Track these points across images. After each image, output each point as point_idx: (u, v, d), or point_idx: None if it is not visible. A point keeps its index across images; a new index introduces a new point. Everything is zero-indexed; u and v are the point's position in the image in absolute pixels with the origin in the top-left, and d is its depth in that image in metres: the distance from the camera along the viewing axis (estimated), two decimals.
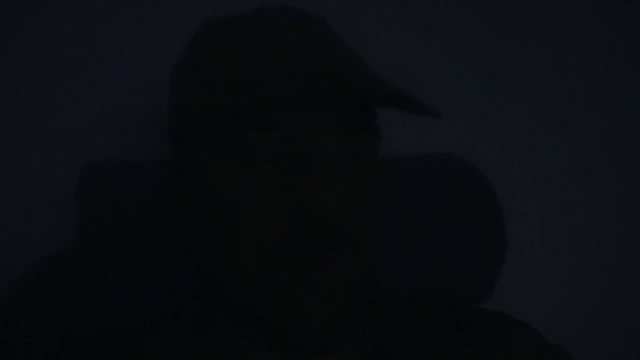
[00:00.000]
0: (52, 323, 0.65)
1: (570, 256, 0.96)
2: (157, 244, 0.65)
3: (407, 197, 0.71)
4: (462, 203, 0.72)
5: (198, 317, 0.58)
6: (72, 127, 0.82)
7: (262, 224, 0.50)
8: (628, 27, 0.97)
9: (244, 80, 0.51)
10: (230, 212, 0.51)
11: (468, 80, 0.93)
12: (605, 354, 0.94)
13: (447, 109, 0.92)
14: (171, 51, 0.70)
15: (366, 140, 0.54)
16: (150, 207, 0.64)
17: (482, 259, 0.72)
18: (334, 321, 0.50)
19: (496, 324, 0.61)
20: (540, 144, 0.95)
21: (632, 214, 0.97)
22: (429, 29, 0.92)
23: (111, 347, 0.57)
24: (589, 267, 0.96)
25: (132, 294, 0.65)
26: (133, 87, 0.83)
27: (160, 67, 0.81)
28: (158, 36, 0.84)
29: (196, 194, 0.54)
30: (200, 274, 0.57)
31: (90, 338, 0.58)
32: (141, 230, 0.66)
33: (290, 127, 0.51)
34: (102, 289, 0.64)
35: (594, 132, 0.97)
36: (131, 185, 0.67)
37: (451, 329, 0.60)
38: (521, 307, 0.71)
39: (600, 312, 0.96)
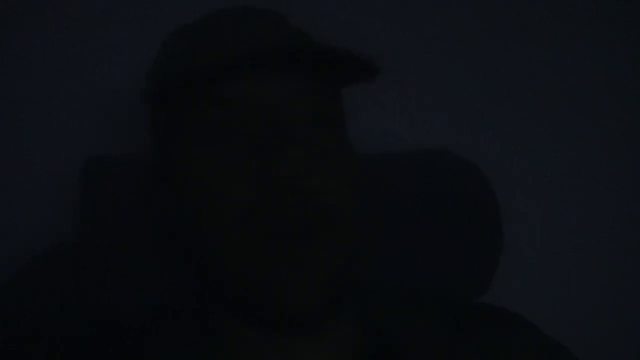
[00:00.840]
0: (52, 320, 0.65)
1: (570, 256, 0.96)
2: (160, 239, 0.65)
3: (403, 194, 0.71)
4: (457, 199, 0.72)
5: (197, 314, 0.58)
6: (74, 122, 0.82)
7: (234, 196, 0.50)
8: (628, 27, 0.97)
9: (199, 56, 0.53)
10: (206, 188, 0.51)
11: (468, 80, 0.93)
12: (606, 354, 0.94)
13: (447, 109, 0.92)
14: None
15: (329, 107, 0.55)
16: (151, 202, 0.64)
17: (478, 255, 0.72)
18: (316, 293, 0.49)
19: (497, 320, 0.61)
20: (540, 144, 0.95)
21: (632, 214, 0.97)
22: (429, 29, 0.92)
23: (111, 345, 0.57)
24: (589, 267, 0.96)
25: (132, 291, 0.65)
26: (135, 83, 0.83)
27: None
28: (163, 33, 0.84)
29: (176, 177, 0.55)
30: (192, 263, 0.57)
31: (89, 336, 0.58)
32: (142, 226, 0.66)
33: (248, 99, 0.51)
34: (102, 286, 0.64)
35: (593, 132, 0.97)
36: (133, 181, 0.67)
37: (451, 324, 0.60)
38: (521, 307, 0.71)
39: (600, 311, 0.95)
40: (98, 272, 0.65)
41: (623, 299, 0.96)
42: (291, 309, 0.49)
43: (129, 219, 0.66)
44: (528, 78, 0.95)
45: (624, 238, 0.97)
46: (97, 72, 0.82)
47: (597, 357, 0.92)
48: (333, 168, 0.52)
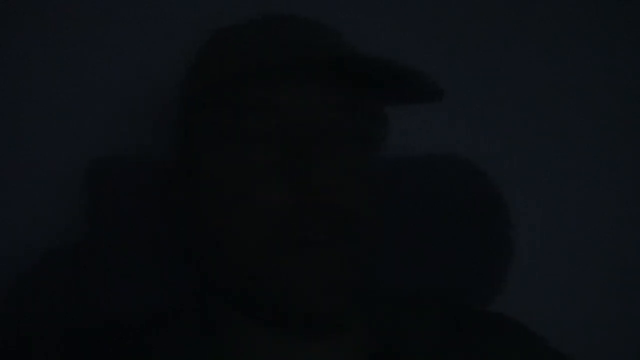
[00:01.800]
0: (55, 319, 0.65)
1: (570, 257, 0.96)
2: (161, 240, 0.65)
3: (410, 198, 0.71)
4: (465, 204, 0.72)
5: (201, 314, 0.58)
6: (78, 123, 0.82)
7: (264, 205, 0.50)
8: (628, 27, 0.97)
9: (245, 60, 0.52)
10: (233, 194, 0.51)
11: (468, 81, 0.93)
12: (606, 354, 0.94)
13: (447, 109, 0.92)
14: (176, 47, 0.70)
15: (368, 123, 0.55)
16: (155, 203, 0.65)
17: (486, 261, 0.72)
18: (335, 304, 0.50)
19: (496, 327, 0.62)
20: (540, 144, 0.95)
21: (633, 215, 0.97)
22: (430, 29, 0.92)
23: (113, 345, 0.57)
24: (590, 268, 0.96)
25: (135, 290, 0.65)
26: (139, 84, 0.83)
27: (166, 65, 0.81)
28: (163, 33, 0.84)
29: (199, 181, 0.54)
30: (202, 264, 0.57)
31: (93, 335, 0.58)
32: (146, 227, 0.66)
33: (286, 106, 0.51)
34: (106, 285, 0.64)
35: (595, 133, 0.97)
36: (136, 182, 0.67)
37: (452, 330, 0.60)
38: (521, 308, 0.71)
39: (601, 313, 0.95)
40: (101, 273, 0.65)
41: (624, 299, 0.96)
42: (313, 313, 0.50)
43: (132, 220, 0.66)
44: (528, 79, 0.95)
45: (626, 239, 0.97)
46: (101, 73, 0.82)
47: (597, 357, 0.92)
48: (362, 180, 0.53)
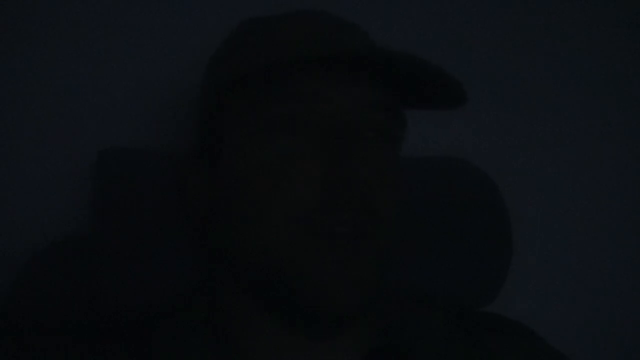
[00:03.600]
0: (61, 313, 0.65)
1: (571, 257, 0.96)
2: (169, 234, 0.65)
3: (413, 200, 0.71)
4: (466, 206, 0.72)
5: (208, 308, 0.58)
6: (88, 115, 0.82)
7: (297, 194, 0.51)
8: (628, 26, 0.97)
9: (284, 48, 0.52)
10: (266, 183, 0.51)
11: (469, 83, 0.93)
12: (606, 355, 0.94)
13: (449, 112, 0.92)
14: (187, 40, 0.70)
15: (397, 124, 0.55)
16: (161, 197, 0.64)
17: (486, 262, 0.72)
18: (360, 294, 0.51)
19: (498, 327, 0.62)
20: (541, 147, 0.95)
21: (633, 216, 0.97)
22: (431, 30, 0.92)
23: (119, 339, 0.57)
24: (590, 269, 0.96)
25: (141, 284, 0.64)
26: (148, 76, 0.83)
27: (178, 58, 0.81)
28: (169, 27, 0.84)
29: (230, 171, 0.54)
30: (217, 254, 0.57)
31: (98, 329, 0.58)
32: (153, 220, 0.65)
33: (329, 99, 0.51)
34: (112, 279, 0.64)
35: (595, 135, 0.97)
36: (146, 173, 0.67)
37: (460, 331, 0.60)
38: (521, 307, 0.71)
39: (601, 313, 0.95)
40: (110, 265, 0.64)
41: (626, 302, 0.96)
42: (341, 305, 0.50)
43: (139, 213, 0.66)
44: (529, 81, 0.95)
45: (629, 243, 0.97)
46: (110, 65, 0.82)
47: (597, 357, 0.92)
48: (390, 180, 0.53)
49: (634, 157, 0.98)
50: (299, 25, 0.55)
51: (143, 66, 0.83)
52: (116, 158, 0.68)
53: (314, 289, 0.50)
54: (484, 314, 0.64)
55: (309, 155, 0.51)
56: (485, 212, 0.72)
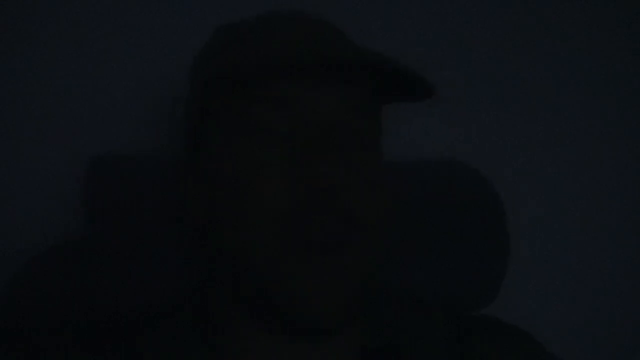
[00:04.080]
0: (54, 318, 0.65)
1: (569, 260, 0.96)
2: (163, 238, 0.65)
3: (409, 202, 0.71)
4: (464, 208, 0.72)
5: (200, 312, 0.58)
6: (80, 121, 0.82)
7: (273, 200, 0.50)
8: (628, 26, 0.97)
9: (256, 49, 0.52)
10: (241, 188, 0.51)
11: (467, 84, 0.93)
12: (606, 354, 0.94)
13: (446, 113, 0.92)
14: (180, 46, 0.70)
15: (372, 123, 0.55)
16: (156, 201, 0.64)
17: (485, 265, 0.72)
18: (339, 305, 0.50)
19: (497, 332, 0.62)
20: (540, 149, 0.95)
21: (633, 218, 0.97)
22: (430, 29, 0.92)
23: (111, 342, 0.57)
24: (589, 271, 0.96)
25: (135, 288, 0.65)
26: (141, 82, 0.83)
27: (170, 64, 0.81)
28: (166, 32, 0.84)
29: (212, 174, 0.54)
30: (208, 257, 0.57)
31: (95, 329, 0.58)
32: (147, 224, 0.66)
33: (301, 103, 0.51)
34: (106, 283, 0.64)
35: (594, 138, 0.97)
36: (139, 179, 0.67)
37: (454, 333, 0.60)
38: (519, 309, 0.71)
39: (601, 315, 0.95)
40: (103, 271, 0.65)
41: (626, 304, 0.96)
42: (317, 317, 0.50)
43: (133, 217, 0.66)
44: (528, 82, 0.95)
45: (628, 245, 0.97)
46: (103, 71, 0.82)
47: (598, 357, 0.92)
48: (369, 182, 0.52)
49: (634, 157, 0.98)
50: (273, 29, 0.55)
51: (139, 70, 0.83)
52: (109, 164, 0.69)
53: (289, 298, 0.50)
54: (478, 318, 0.64)
55: (280, 161, 0.51)
56: (483, 213, 0.73)
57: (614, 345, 0.95)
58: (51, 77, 0.81)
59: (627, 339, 0.96)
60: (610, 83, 0.97)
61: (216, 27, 0.60)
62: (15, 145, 0.81)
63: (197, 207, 0.56)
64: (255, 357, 0.54)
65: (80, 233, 0.69)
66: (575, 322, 0.93)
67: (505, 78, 0.94)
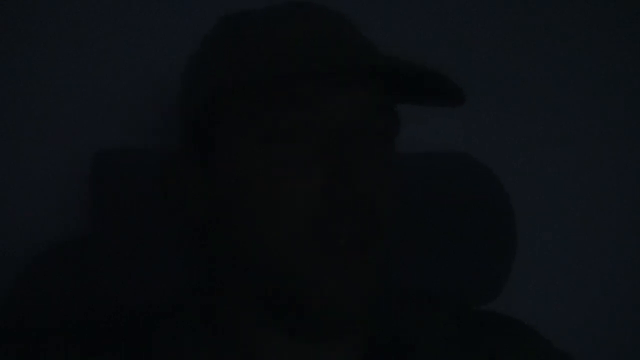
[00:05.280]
0: (59, 313, 0.65)
1: (574, 255, 0.96)
2: (166, 235, 0.65)
3: (413, 195, 0.71)
4: (471, 202, 0.72)
5: (205, 308, 0.57)
6: (83, 116, 0.82)
7: (297, 203, 0.50)
8: (628, 26, 0.97)
9: (275, 55, 0.51)
10: (266, 189, 0.50)
11: (471, 78, 0.93)
12: (606, 354, 0.94)
13: (448, 110, 0.92)
14: (181, 42, 0.70)
15: (392, 123, 0.55)
16: (158, 198, 0.64)
17: (491, 259, 0.72)
18: (362, 304, 0.50)
19: (505, 328, 0.62)
20: (542, 146, 0.95)
21: (635, 216, 0.97)
22: (430, 29, 0.92)
23: (118, 340, 0.57)
24: (592, 269, 0.96)
25: (139, 285, 0.64)
26: (144, 76, 0.83)
27: (171, 58, 0.81)
28: (167, 28, 0.84)
29: (226, 177, 0.53)
30: (222, 259, 0.56)
31: (98, 328, 0.58)
32: (151, 221, 0.65)
33: (320, 103, 0.50)
34: (111, 279, 0.64)
35: (598, 132, 0.97)
36: (141, 174, 0.67)
37: (462, 331, 0.60)
38: (525, 307, 0.71)
39: (605, 314, 0.95)
40: (106, 267, 0.64)
41: (628, 303, 0.96)
42: (339, 317, 0.50)
43: (137, 214, 0.66)
44: (531, 77, 0.95)
45: (632, 241, 0.96)
46: (106, 66, 0.82)
47: (598, 357, 0.92)
48: (389, 184, 0.53)
49: (634, 157, 0.98)
50: (292, 25, 0.54)
51: (138, 66, 0.83)
52: (112, 159, 0.68)
53: (315, 297, 0.50)
54: (486, 313, 0.64)
55: (309, 163, 0.50)
56: (488, 207, 0.72)
57: (614, 345, 0.95)
58: (51, 74, 0.81)
59: (627, 339, 0.96)
60: (610, 83, 0.97)
61: (219, 18, 0.59)
62: (15, 144, 0.81)
63: (201, 208, 0.56)
64: (266, 354, 0.54)
65: (81, 232, 0.69)
66: (576, 320, 0.93)
67: (505, 78, 0.94)
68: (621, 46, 0.97)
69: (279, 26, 0.54)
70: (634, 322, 0.96)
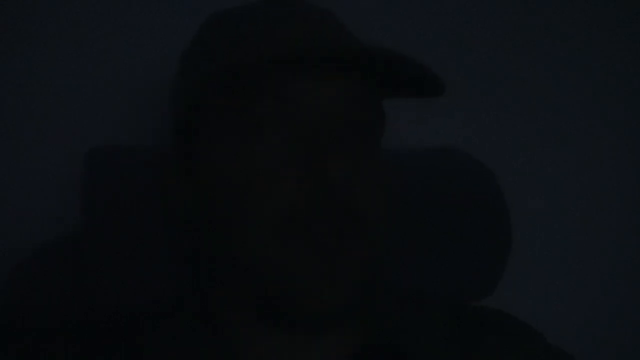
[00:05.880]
0: (51, 315, 0.65)
1: (571, 256, 0.96)
2: (160, 234, 0.65)
3: (411, 192, 0.71)
4: (466, 199, 0.72)
5: (198, 308, 0.57)
6: (77, 114, 0.82)
7: (277, 199, 0.50)
8: (629, 26, 0.97)
9: (256, 45, 0.51)
10: (243, 186, 0.50)
11: (469, 75, 0.93)
12: (606, 355, 0.94)
13: (448, 104, 0.92)
14: (175, 37, 0.70)
15: (374, 115, 0.54)
16: (154, 196, 0.64)
17: (485, 255, 0.72)
18: (341, 300, 0.50)
19: (502, 326, 0.61)
20: (542, 146, 0.95)
21: (634, 212, 0.97)
22: (430, 29, 0.92)
23: (109, 340, 0.57)
24: (590, 268, 0.96)
25: (133, 285, 0.64)
26: (137, 74, 0.83)
27: (164, 56, 0.81)
28: (162, 24, 0.84)
29: (206, 172, 0.53)
30: (207, 256, 0.56)
31: (89, 328, 0.58)
32: (144, 220, 0.65)
33: (301, 97, 0.50)
34: (104, 278, 0.64)
35: (597, 130, 0.97)
36: (135, 172, 0.67)
37: (457, 328, 0.60)
38: (522, 305, 0.71)
39: (600, 312, 0.95)
40: (99, 266, 0.64)
41: (626, 301, 0.96)
42: (321, 312, 0.50)
43: (131, 212, 0.66)
44: (530, 74, 0.95)
45: (629, 238, 0.96)
46: (100, 64, 0.82)
47: (598, 357, 0.92)
48: (371, 177, 0.52)
49: (634, 157, 0.98)
50: (270, 22, 0.54)
51: (131, 65, 0.83)
52: (105, 157, 0.68)
53: (292, 289, 0.50)
54: (484, 310, 0.64)
55: (285, 156, 0.50)
56: (484, 211, 0.72)
57: (613, 345, 0.95)
58: (48, 73, 0.81)
59: (627, 339, 0.96)
60: (610, 83, 0.97)
61: (208, 15, 0.59)
62: (12, 142, 0.81)
63: (187, 204, 0.56)
64: (257, 355, 0.54)
65: (78, 230, 0.69)
66: (574, 319, 0.93)
67: (505, 78, 0.94)
68: (621, 46, 0.97)
69: (257, 25, 0.54)
70: (634, 322, 0.96)
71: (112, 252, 0.64)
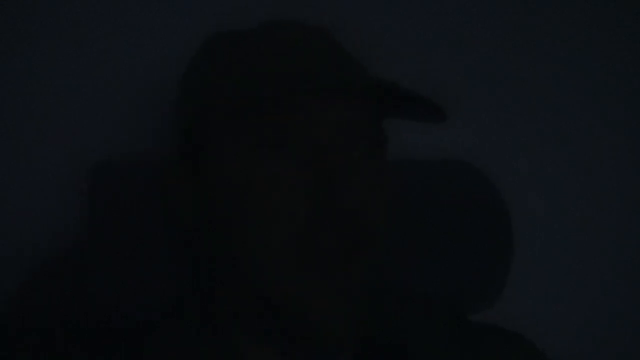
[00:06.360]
0: (56, 320, 0.65)
1: (572, 259, 0.96)
2: (164, 242, 0.65)
3: (415, 202, 0.71)
4: (469, 209, 0.72)
5: (200, 316, 0.58)
6: (83, 125, 0.82)
7: (284, 213, 0.50)
8: (629, 26, 0.97)
9: (263, 71, 0.52)
10: (251, 200, 0.51)
11: (470, 84, 0.93)
12: (606, 355, 0.94)
13: (449, 111, 0.92)
14: (181, 47, 0.70)
15: (378, 136, 0.55)
16: (157, 206, 0.64)
17: (488, 265, 0.72)
18: (347, 317, 0.50)
19: (499, 337, 0.62)
20: (542, 147, 0.95)
21: (634, 217, 0.97)
22: (430, 29, 0.92)
23: (114, 341, 0.57)
24: (592, 270, 0.96)
25: (136, 293, 0.64)
26: (143, 85, 0.83)
27: (165, 56, 0.81)
28: (164, 34, 0.84)
29: (215, 186, 0.54)
30: (213, 267, 0.56)
31: (92, 335, 0.58)
32: (148, 230, 0.65)
33: (314, 117, 0.51)
34: (106, 288, 0.64)
35: (596, 138, 0.97)
36: (140, 183, 0.67)
37: (457, 333, 0.60)
38: (522, 305, 0.71)
39: (605, 314, 0.95)
40: (104, 276, 0.64)
41: (627, 305, 0.96)
42: (324, 329, 0.50)
43: (134, 223, 0.66)
44: (530, 82, 0.95)
45: (630, 245, 0.96)
46: (100, 65, 0.82)
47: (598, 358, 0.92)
48: (378, 191, 0.53)
49: (634, 157, 0.98)
50: (274, 46, 0.54)
51: (138, 75, 0.83)
52: (111, 169, 0.68)
53: (297, 312, 0.50)
54: (480, 323, 0.64)
55: (295, 175, 0.50)
56: (486, 214, 0.72)
57: (613, 345, 0.95)
58: (51, 78, 0.81)
59: (627, 339, 0.96)
60: (610, 83, 0.97)
61: (209, 35, 0.59)
62: (15, 148, 0.81)
63: (192, 214, 0.56)
64: (258, 355, 0.55)
65: (81, 236, 0.69)
66: (575, 322, 0.93)
67: (505, 78, 0.94)
68: (621, 46, 0.97)
69: (267, 45, 0.54)
70: (634, 322, 0.96)
71: (114, 254, 0.65)
